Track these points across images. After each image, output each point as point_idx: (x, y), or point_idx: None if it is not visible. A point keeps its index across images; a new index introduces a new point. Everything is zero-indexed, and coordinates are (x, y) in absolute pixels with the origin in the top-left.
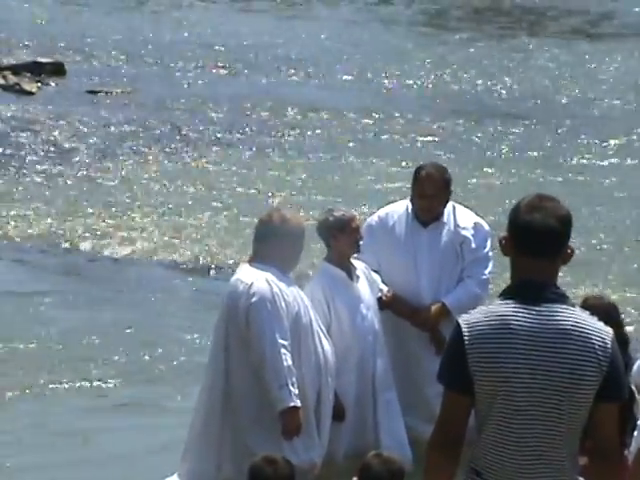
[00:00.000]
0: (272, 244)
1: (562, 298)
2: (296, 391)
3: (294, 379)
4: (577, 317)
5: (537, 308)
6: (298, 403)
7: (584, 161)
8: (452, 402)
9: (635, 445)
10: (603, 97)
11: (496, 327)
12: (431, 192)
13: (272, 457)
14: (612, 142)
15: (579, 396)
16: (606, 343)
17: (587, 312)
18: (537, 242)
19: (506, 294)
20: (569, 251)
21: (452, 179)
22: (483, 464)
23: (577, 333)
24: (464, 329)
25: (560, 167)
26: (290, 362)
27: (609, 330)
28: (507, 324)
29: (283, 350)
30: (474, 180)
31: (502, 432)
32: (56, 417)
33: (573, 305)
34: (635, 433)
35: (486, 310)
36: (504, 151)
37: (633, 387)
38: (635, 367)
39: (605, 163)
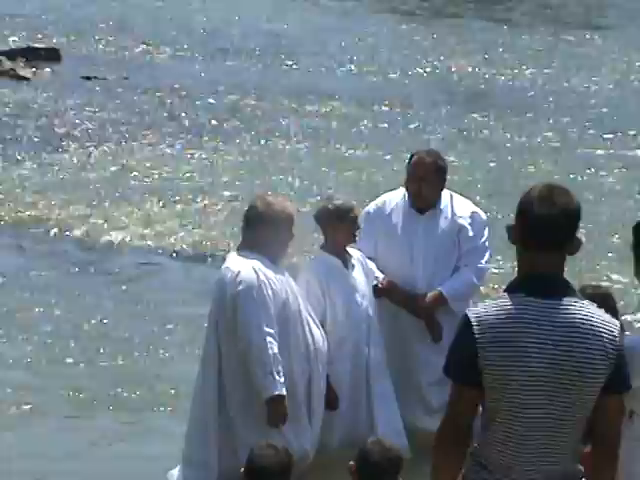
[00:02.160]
0: (257, 230)
1: (570, 291)
2: (282, 379)
3: (280, 367)
4: (586, 310)
5: (546, 301)
6: (283, 391)
7: (588, 152)
8: (461, 396)
9: None
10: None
11: (507, 320)
12: (420, 174)
13: (272, 445)
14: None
15: (588, 389)
16: (614, 336)
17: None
18: (547, 236)
19: (514, 287)
20: (576, 242)
21: (447, 166)
22: (488, 457)
23: (587, 326)
24: (474, 322)
25: (566, 158)
26: (276, 350)
27: (616, 322)
28: (517, 317)
29: (269, 338)
30: (475, 171)
31: (510, 424)
32: (54, 408)
33: (581, 297)
34: None
35: (495, 303)
36: (506, 141)
37: None
38: None
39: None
